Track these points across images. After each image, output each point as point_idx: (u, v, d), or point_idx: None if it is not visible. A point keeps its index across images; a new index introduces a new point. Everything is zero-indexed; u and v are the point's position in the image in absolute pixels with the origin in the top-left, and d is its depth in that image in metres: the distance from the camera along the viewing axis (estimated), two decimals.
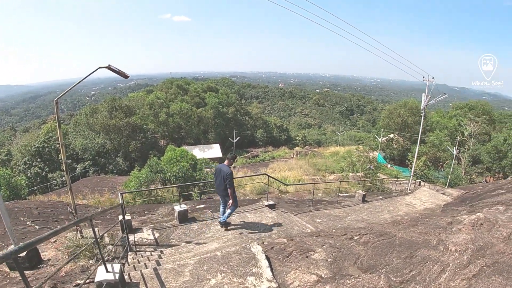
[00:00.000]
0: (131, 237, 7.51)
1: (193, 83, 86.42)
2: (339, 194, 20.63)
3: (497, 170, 42.75)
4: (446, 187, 27.86)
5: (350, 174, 30.51)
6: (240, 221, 9.33)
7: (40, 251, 6.30)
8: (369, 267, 4.72)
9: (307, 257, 5.20)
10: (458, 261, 4.57)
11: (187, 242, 7.44)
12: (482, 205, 11.01)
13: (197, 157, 27.12)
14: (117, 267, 4.20)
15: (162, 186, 22.34)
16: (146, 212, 13.15)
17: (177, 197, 20.23)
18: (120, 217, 7.58)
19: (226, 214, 8.57)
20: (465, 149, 43.04)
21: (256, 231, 8.57)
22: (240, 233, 8.24)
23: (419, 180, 24.45)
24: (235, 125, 72.17)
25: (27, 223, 9.90)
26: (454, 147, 37.11)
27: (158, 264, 5.22)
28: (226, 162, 8.35)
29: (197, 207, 14.34)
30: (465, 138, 44.13)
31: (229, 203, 8.24)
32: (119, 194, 7.83)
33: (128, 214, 8.33)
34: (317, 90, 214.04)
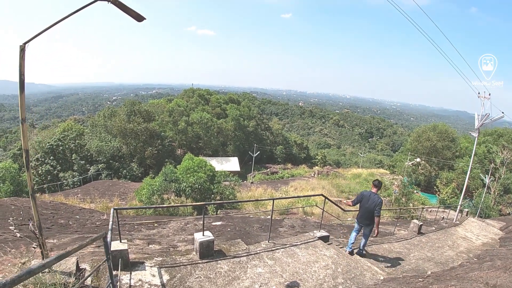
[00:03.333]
0: (125, 278, 5.10)
1: (214, 93, 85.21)
2: None
3: None
4: (476, 216, 25.69)
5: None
6: (290, 261, 7.00)
7: None
8: None
9: None
10: None
11: None
12: None
13: (216, 169, 25.37)
14: None
15: (176, 197, 20.73)
16: (156, 225, 11.46)
17: (191, 209, 18.54)
18: (114, 243, 5.33)
19: (362, 244, 8.46)
20: (495, 177, 40.59)
21: (316, 280, 6.25)
22: (295, 286, 5.93)
23: (466, 210, 22.40)
24: (255, 140, 70.31)
25: (10, 227, 8.19)
26: (487, 175, 34.71)
27: None
28: (374, 190, 8.03)
29: (214, 223, 12.60)
30: (497, 166, 41.60)
31: (375, 230, 7.83)
32: (111, 210, 5.41)
33: (125, 241, 5.74)
34: (336, 111, 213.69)
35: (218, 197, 22.12)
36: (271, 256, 7.05)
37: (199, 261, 6.29)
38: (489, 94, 16.18)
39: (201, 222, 12.50)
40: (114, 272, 4.83)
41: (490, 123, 17.14)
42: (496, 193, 39.27)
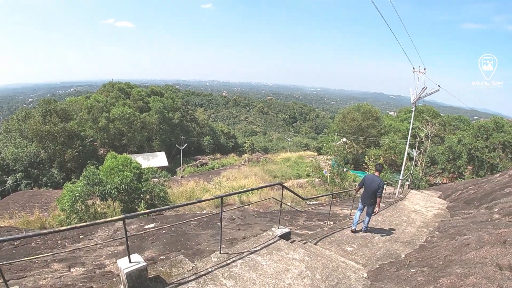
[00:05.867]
0: None
1: (136, 86, 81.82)
2: (309, 203, 19.00)
3: (451, 171, 43.92)
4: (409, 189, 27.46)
5: (316, 179, 29.39)
6: (254, 276, 5.34)
7: None
8: None
9: None
10: None
11: None
12: (506, 205, 10.48)
13: (142, 166, 24.33)
14: None
15: (102, 202, 19.58)
16: (81, 236, 10.74)
17: (119, 212, 17.64)
18: None
19: (366, 222, 9.58)
20: (421, 150, 43.73)
21: None
22: None
23: (407, 183, 23.35)
24: (181, 132, 69.09)
25: None
26: (414, 149, 37.23)
27: None
28: (376, 173, 9.14)
29: (146, 227, 12.05)
30: (422, 140, 44.82)
31: (375, 210, 9.00)
32: None
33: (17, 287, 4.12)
34: (260, 99, 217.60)
35: (148, 196, 21.33)
36: (229, 274, 5.30)
37: None
38: (424, 69, 16.76)
39: (134, 227, 11.84)
40: None
41: (425, 97, 17.69)
42: (423, 165, 42.48)
